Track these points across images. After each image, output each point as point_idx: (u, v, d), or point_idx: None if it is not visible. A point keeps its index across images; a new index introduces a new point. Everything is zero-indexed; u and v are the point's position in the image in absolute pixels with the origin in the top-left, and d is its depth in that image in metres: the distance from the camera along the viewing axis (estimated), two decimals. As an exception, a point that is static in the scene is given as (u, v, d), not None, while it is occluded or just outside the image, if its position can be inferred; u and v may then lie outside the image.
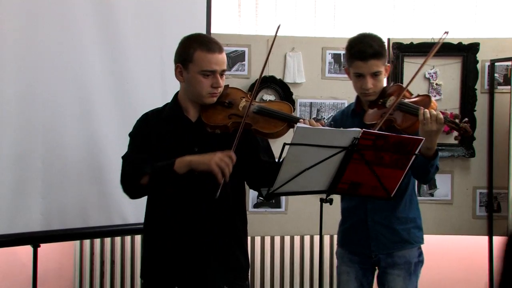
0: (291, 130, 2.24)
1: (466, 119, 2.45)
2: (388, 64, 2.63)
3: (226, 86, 2.36)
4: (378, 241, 2.63)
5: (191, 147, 2.28)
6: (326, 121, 2.59)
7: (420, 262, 2.69)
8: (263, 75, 3.65)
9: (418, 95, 2.57)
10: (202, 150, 2.24)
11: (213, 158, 2.12)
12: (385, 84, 2.67)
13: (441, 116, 2.35)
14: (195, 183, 2.23)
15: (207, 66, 2.24)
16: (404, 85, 2.63)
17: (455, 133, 2.48)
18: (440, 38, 2.56)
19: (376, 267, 2.70)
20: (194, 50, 2.25)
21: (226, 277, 2.32)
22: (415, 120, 2.40)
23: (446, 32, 2.57)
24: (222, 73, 2.29)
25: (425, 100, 2.47)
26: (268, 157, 2.40)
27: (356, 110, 2.67)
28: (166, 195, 2.30)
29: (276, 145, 2.34)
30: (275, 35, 2.30)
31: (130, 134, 2.40)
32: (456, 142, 3.38)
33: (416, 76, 3.78)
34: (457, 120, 2.41)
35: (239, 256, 2.38)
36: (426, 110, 2.36)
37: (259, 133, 2.29)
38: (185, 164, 2.18)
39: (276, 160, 2.37)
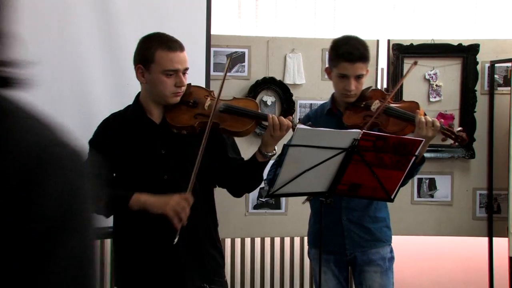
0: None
1: (461, 128, 2.51)
2: (368, 69, 2.68)
3: (189, 85, 2.31)
4: (352, 240, 2.69)
5: (157, 150, 2.25)
6: (298, 120, 2.56)
7: (392, 258, 2.76)
8: (262, 77, 3.70)
9: (403, 101, 2.66)
10: (169, 152, 2.21)
11: (168, 203, 2.09)
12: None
13: (438, 123, 2.40)
14: (152, 224, 2.19)
15: (170, 65, 2.20)
16: (388, 89, 2.71)
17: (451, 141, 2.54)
18: (408, 70, 2.68)
19: (351, 267, 2.77)
20: (155, 49, 2.21)
21: (204, 276, 2.31)
22: (404, 125, 2.46)
23: (415, 63, 2.68)
24: (184, 71, 2.24)
25: (414, 106, 2.54)
26: (235, 154, 2.38)
27: (332, 110, 2.71)
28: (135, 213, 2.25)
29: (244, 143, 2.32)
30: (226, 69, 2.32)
31: (90, 142, 2.33)
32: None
33: (415, 77, 3.81)
34: (451, 126, 2.48)
35: (214, 255, 2.37)
36: (423, 116, 2.41)
37: (227, 132, 2.26)
38: (140, 204, 2.15)
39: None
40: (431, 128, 2.38)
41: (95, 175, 2.28)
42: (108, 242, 3.93)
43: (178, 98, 2.26)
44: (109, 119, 2.36)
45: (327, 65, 2.72)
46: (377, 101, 2.57)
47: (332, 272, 2.73)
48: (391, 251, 2.76)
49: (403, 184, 2.34)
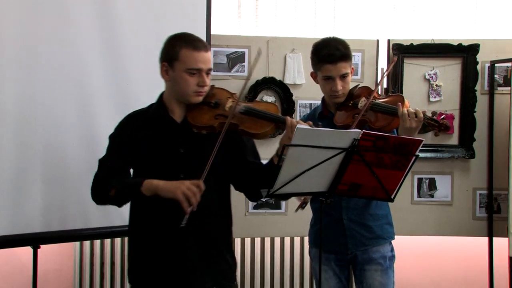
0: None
1: (443, 115, 2.53)
2: (353, 66, 2.69)
3: (212, 87, 2.33)
4: (354, 239, 2.69)
5: (176, 148, 2.26)
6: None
7: (393, 256, 2.76)
8: (263, 77, 3.70)
9: (389, 95, 2.67)
10: (188, 151, 2.22)
11: (179, 187, 2.09)
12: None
13: (421, 114, 2.42)
14: (162, 208, 2.20)
15: (193, 64, 2.22)
16: (372, 87, 2.73)
17: (433, 131, 2.58)
18: (390, 65, 2.73)
19: (351, 266, 2.76)
20: (180, 48, 2.23)
21: (214, 278, 2.31)
22: (390, 119, 2.48)
23: (395, 60, 2.79)
24: (208, 72, 2.26)
25: (398, 99, 2.54)
26: (254, 158, 2.39)
27: (324, 113, 2.74)
28: (149, 201, 2.26)
29: (264, 146, 2.33)
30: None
31: (110, 136, 2.36)
32: (456, 143, 3.40)
33: (416, 77, 3.82)
34: (434, 117, 2.51)
35: (226, 257, 2.37)
36: (405, 108, 2.44)
37: (246, 133, 2.27)
38: (152, 188, 2.15)
39: (262, 161, 2.37)
40: (414, 119, 2.41)
41: (108, 167, 2.29)
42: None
43: (200, 98, 2.28)
44: (131, 116, 2.39)
45: (311, 70, 2.72)
46: (363, 98, 2.59)
47: (333, 271, 2.74)
48: (392, 249, 2.76)
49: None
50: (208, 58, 2.26)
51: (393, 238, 2.78)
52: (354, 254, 2.71)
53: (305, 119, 2.80)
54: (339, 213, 2.69)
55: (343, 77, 2.60)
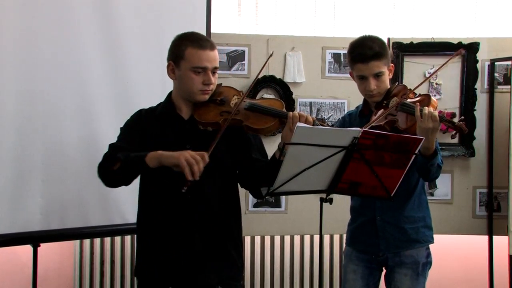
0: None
1: (462, 117, 2.48)
2: (392, 64, 2.64)
3: (219, 85, 2.35)
4: (386, 240, 2.63)
5: (182, 145, 2.27)
6: (331, 122, 2.57)
7: (428, 263, 2.67)
8: (263, 75, 3.69)
9: (420, 95, 2.57)
10: (194, 147, 2.23)
11: (183, 153, 2.10)
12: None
13: (436, 114, 2.34)
14: (165, 177, 2.20)
15: (198, 62, 2.24)
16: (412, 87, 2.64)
17: (452, 132, 2.48)
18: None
19: (384, 267, 2.70)
20: (185, 47, 2.26)
21: (221, 277, 2.31)
22: (415, 120, 2.40)
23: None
24: (214, 70, 2.28)
25: (425, 100, 2.48)
26: (260, 155, 2.39)
27: (364, 112, 2.69)
28: (158, 194, 2.28)
29: (269, 144, 2.33)
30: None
31: (121, 127, 2.40)
32: (456, 141, 3.38)
33: (416, 76, 3.80)
34: (453, 119, 2.45)
35: (234, 256, 2.37)
36: (421, 108, 2.36)
37: (250, 129, 2.28)
38: (156, 157, 2.15)
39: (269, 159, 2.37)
40: (430, 119, 2.33)
41: (116, 146, 2.28)
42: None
43: (207, 96, 2.30)
44: (142, 111, 2.41)
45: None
46: (395, 98, 2.53)
47: (362, 273, 2.68)
48: (429, 255, 2.67)
49: (428, 181, 2.23)
50: (214, 56, 2.27)
51: (431, 242, 2.69)
52: (386, 256, 2.64)
53: (347, 117, 2.79)
54: (373, 213, 2.64)
55: (377, 76, 2.54)
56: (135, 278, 2.43)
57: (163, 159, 2.14)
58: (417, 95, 2.56)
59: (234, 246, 2.38)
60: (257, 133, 2.34)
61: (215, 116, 2.28)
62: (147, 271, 2.33)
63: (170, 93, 2.40)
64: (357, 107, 2.83)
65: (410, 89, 2.56)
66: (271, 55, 2.46)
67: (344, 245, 2.90)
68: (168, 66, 2.32)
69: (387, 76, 2.59)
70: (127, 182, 2.28)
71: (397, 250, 2.63)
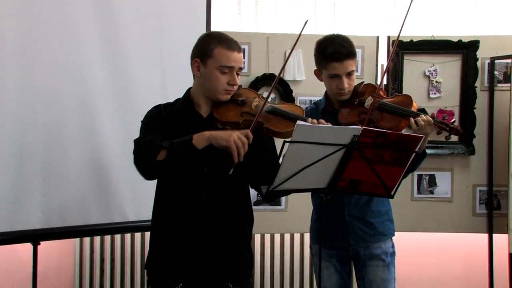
0: None
1: (454, 119, 2.53)
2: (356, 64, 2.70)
3: (239, 87, 2.38)
4: (355, 235, 2.70)
5: None
6: None
7: (394, 253, 2.77)
8: (263, 73, 3.69)
9: (396, 95, 2.66)
10: (211, 145, 2.24)
11: (232, 135, 2.12)
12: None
13: (431, 119, 2.45)
14: (210, 160, 2.22)
15: (226, 62, 2.27)
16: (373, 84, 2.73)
17: (447, 134, 2.57)
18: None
19: (353, 262, 2.77)
20: (214, 46, 2.28)
21: (231, 274, 2.32)
22: (398, 121, 2.48)
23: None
24: (238, 71, 2.32)
25: (406, 101, 2.55)
26: (272, 158, 2.40)
27: (328, 109, 2.73)
28: (175, 193, 2.29)
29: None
30: (301, 31, 2.29)
31: (142, 121, 2.39)
32: (456, 140, 3.37)
33: (416, 74, 3.81)
34: (445, 121, 2.51)
35: (245, 254, 2.38)
36: (418, 118, 2.45)
37: (270, 131, 2.31)
38: (205, 138, 2.17)
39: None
40: (428, 126, 2.44)
41: (147, 140, 2.24)
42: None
43: (229, 96, 2.33)
44: (160, 106, 2.41)
45: (314, 68, 2.71)
46: (370, 97, 2.58)
47: (335, 267, 2.74)
48: (393, 246, 2.77)
49: (403, 177, 2.35)
50: (240, 58, 2.32)
51: (394, 235, 2.79)
52: (356, 250, 2.71)
53: (309, 113, 2.80)
54: (341, 209, 2.69)
55: (349, 74, 2.59)
56: (140, 277, 2.43)
57: (212, 140, 2.16)
58: (393, 95, 2.67)
59: (245, 244, 2.39)
60: (276, 136, 2.36)
61: (235, 116, 2.31)
62: (159, 267, 2.34)
63: (188, 90, 2.41)
64: (315, 103, 2.87)
65: (380, 88, 2.62)
66: (291, 52, 2.48)
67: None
68: (193, 63, 2.33)
69: (355, 74, 2.65)
70: (172, 172, 2.25)
71: (366, 244, 2.70)
